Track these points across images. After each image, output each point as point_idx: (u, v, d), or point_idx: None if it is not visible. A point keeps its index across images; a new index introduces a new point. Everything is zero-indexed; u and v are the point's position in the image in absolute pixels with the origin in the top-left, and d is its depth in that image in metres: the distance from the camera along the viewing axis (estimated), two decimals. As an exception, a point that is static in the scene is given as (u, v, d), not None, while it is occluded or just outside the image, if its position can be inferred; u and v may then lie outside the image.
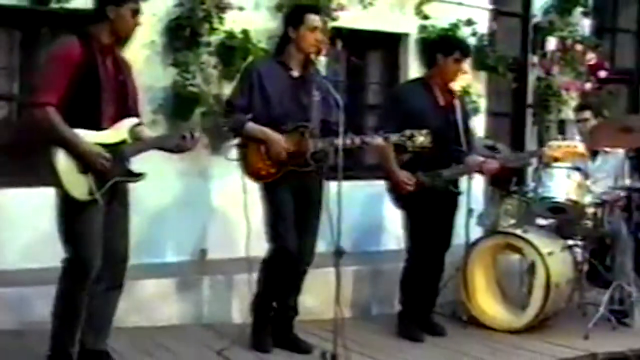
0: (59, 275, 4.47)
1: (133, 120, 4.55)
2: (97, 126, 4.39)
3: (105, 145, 4.40)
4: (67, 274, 4.45)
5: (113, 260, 4.60)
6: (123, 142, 4.48)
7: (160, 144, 4.69)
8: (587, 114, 6.70)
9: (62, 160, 4.30)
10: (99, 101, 4.39)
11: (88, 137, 4.34)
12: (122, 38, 4.50)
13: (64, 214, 4.42)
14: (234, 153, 5.27)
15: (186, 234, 6.56)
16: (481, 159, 5.89)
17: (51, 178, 4.31)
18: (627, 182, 6.33)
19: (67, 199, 4.35)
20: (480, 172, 5.93)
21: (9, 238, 5.82)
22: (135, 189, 6.19)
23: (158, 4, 6.27)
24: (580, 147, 5.96)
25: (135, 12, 4.47)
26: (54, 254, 4.53)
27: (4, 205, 5.81)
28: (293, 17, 5.25)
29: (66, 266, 4.45)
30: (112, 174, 4.42)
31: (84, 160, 4.31)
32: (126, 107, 4.54)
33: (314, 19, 5.15)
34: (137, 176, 4.56)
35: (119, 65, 4.54)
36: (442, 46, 5.93)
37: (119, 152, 4.44)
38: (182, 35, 6.28)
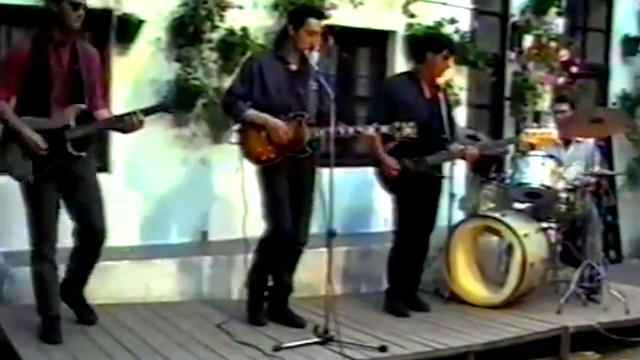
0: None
1: (79, 106, 4.61)
2: (46, 113, 4.54)
3: (48, 131, 4.52)
4: (31, 255, 4.68)
5: (92, 241, 4.82)
6: (67, 127, 4.56)
7: (104, 126, 4.85)
8: (565, 106, 6.68)
9: (11, 144, 4.52)
10: (47, 91, 4.54)
11: (34, 123, 4.51)
12: (70, 30, 4.56)
13: (24, 200, 4.63)
14: (234, 138, 5.26)
15: (189, 217, 6.54)
16: (462, 146, 5.89)
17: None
18: (597, 169, 6.33)
19: (26, 187, 4.57)
20: (463, 158, 5.92)
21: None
22: (141, 176, 6.24)
23: (163, 4, 6.24)
24: (554, 134, 5.95)
25: (75, 6, 4.52)
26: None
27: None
28: (295, 17, 5.22)
29: (32, 247, 4.67)
30: (52, 159, 4.54)
31: (25, 145, 4.49)
32: (79, 94, 4.61)
33: (315, 24, 5.10)
34: (77, 158, 4.62)
35: (76, 56, 4.62)
36: (432, 44, 5.89)
37: (60, 136, 4.54)
38: (185, 33, 6.24)
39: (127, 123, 4.60)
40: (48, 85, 4.54)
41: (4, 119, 4.51)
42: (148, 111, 4.69)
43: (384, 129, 5.16)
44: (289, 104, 5.12)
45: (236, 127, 5.27)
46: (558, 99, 7.08)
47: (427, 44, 6.00)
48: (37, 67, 4.50)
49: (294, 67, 5.19)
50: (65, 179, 4.64)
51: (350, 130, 5.14)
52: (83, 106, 4.62)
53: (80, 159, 4.62)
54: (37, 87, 4.52)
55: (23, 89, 4.50)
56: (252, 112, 5.10)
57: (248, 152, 5.17)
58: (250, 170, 5.19)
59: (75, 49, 4.64)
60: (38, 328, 4.73)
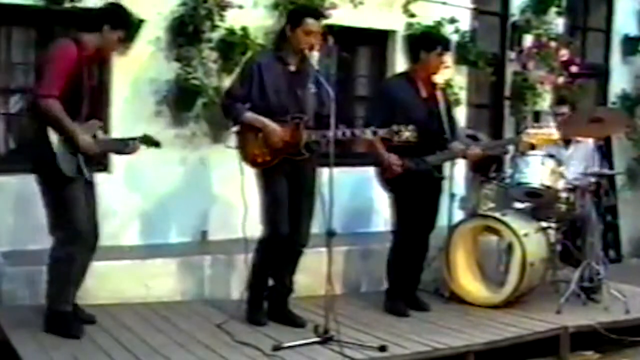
0: (53, 247, 4.76)
1: (98, 122, 4.87)
2: (74, 120, 4.66)
3: None
4: (65, 244, 4.71)
5: (91, 241, 4.89)
6: (94, 137, 4.81)
7: (107, 148, 5.11)
8: (565, 108, 6.67)
9: (56, 143, 4.60)
10: (79, 100, 4.67)
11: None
12: (102, 55, 4.88)
13: (54, 194, 4.68)
14: (233, 140, 5.25)
15: (188, 217, 6.54)
16: (463, 146, 5.89)
17: (43, 159, 4.62)
18: (597, 169, 6.33)
19: (56, 180, 4.63)
20: (464, 157, 5.91)
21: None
22: (141, 176, 6.24)
23: (163, 3, 6.24)
24: (555, 134, 5.95)
25: (121, 40, 4.80)
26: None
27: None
28: (293, 17, 5.21)
29: (63, 238, 4.71)
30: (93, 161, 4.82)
31: (77, 144, 4.62)
32: (95, 109, 4.87)
33: (312, 24, 5.09)
34: (103, 167, 5.03)
35: (92, 73, 4.83)
36: (424, 42, 5.90)
37: None
38: (185, 32, 6.24)
39: (130, 147, 4.90)
40: (80, 94, 4.67)
41: (59, 118, 4.56)
42: (144, 140, 4.95)
43: (382, 132, 5.12)
44: (287, 105, 5.11)
45: (235, 129, 5.27)
46: (558, 101, 7.07)
47: (420, 42, 6.00)
48: (77, 75, 4.62)
49: (292, 67, 5.19)
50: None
51: (348, 133, 5.10)
52: (100, 123, 4.89)
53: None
54: (73, 94, 4.61)
55: (63, 91, 4.57)
56: (249, 115, 5.09)
57: (245, 155, 5.17)
58: (250, 171, 5.19)
59: (91, 67, 4.81)
60: (46, 325, 4.74)
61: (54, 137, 4.59)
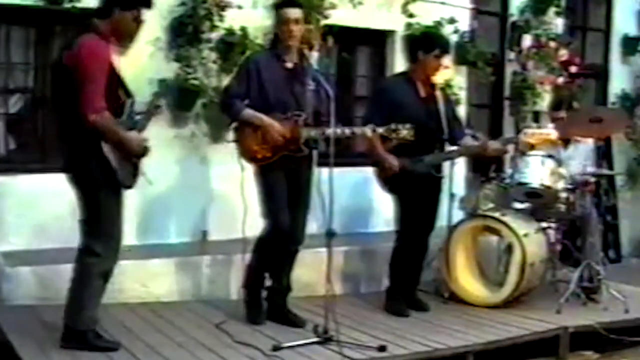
0: (90, 262, 4.49)
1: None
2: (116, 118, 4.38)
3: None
4: (105, 258, 4.50)
5: None
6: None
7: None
8: (562, 113, 6.66)
9: (108, 151, 4.33)
10: (117, 94, 4.41)
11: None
12: (122, 39, 4.47)
13: (100, 201, 4.41)
14: (232, 137, 5.26)
15: (188, 216, 6.54)
16: (475, 142, 5.88)
17: (98, 172, 4.35)
18: (597, 169, 6.33)
19: (104, 187, 4.39)
20: (483, 151, 5.85)
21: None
22: (141, 176, 6.22)
23: (162, 3, 6.23)
24: (553, 134, 5.95)
25: (137, 20, 4.46)
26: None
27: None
28: (275, 13, 5.29)
29: (102, 250, 4.47)
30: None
31: (128, 150, 4.41)
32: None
33: (285, 12, 5.12)
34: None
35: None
36: (423, 43, 5.88)
37: None
38: (184, 32, 6.25)
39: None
40: (116, 88, 4.40)
41: (112, 131, 4.30)
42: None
43: (380, 130, 5.16)
44: (285, 102, 5.13)
45: (233, 125, 5.28)
46: (555, 105, 7.03)
47: (419, 43, 5.98)
48: (112, 70, 4.35)
49: (289, 64, 5.20)
50: None
51: (347, 131, 5.14)
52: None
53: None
54: (110, 91, 4.32)
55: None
56: (248, 112, 5.11)
57: (244, 151, 5.18)
58: (249, 168, 5.19)
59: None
60: (78, 344, 4.48)
61: (105, 146, 4.31)
